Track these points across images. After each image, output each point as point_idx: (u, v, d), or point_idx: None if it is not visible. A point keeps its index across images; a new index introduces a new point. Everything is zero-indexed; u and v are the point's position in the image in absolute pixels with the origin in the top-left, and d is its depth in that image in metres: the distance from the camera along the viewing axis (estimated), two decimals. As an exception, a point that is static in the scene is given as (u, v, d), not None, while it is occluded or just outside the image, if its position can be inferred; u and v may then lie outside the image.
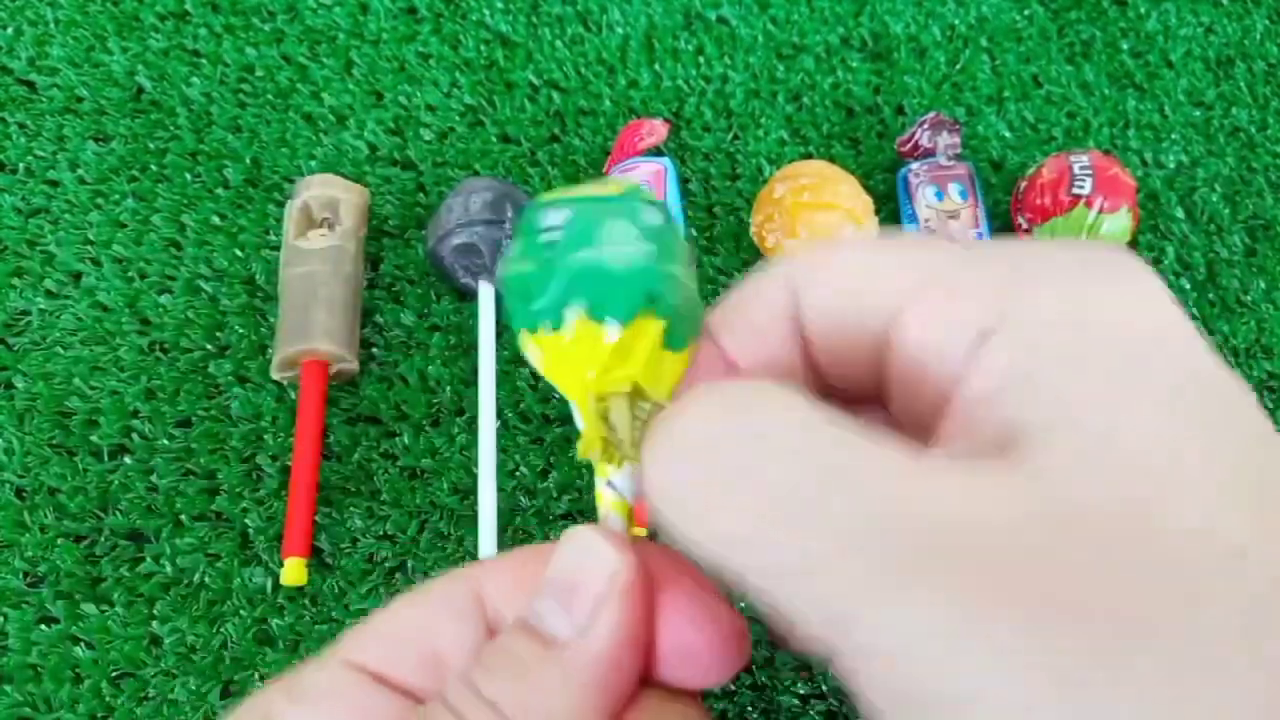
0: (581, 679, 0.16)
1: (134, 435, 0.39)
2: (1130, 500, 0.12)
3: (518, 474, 0.39)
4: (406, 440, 0.39)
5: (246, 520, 0.37)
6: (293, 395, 0.40)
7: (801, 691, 0.35)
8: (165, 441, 0.39)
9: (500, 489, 0.38)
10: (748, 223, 0.44)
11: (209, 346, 0.41)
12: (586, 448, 0.17)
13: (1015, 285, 0.15)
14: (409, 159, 0.46)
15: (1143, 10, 0.53)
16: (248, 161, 0.45)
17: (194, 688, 0.34)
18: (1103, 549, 0.12)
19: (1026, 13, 0.52)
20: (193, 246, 0.43)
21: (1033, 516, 0.12)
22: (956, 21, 0.52)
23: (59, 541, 0.36)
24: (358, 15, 0.50)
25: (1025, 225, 0.43)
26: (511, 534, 0.38)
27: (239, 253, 0.43)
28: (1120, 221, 0.41)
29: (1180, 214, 0.47)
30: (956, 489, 0.13)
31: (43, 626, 0.35)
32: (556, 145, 0.47)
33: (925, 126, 0.45)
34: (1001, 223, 0.45)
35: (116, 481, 0.38)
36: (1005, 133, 0.48)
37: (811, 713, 0.35)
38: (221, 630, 0.35)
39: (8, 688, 0.34)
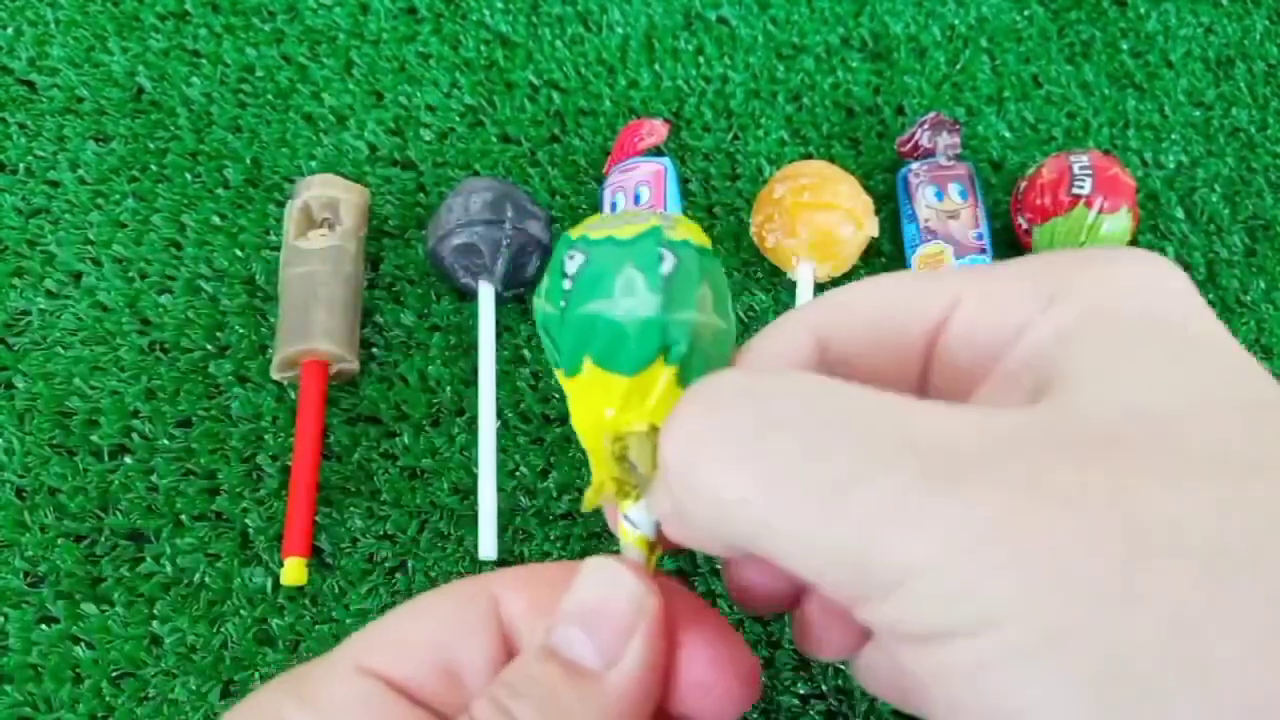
0: (610, 711, 0.16)
1: (134, 435, 0.39)
2: (1150, 418, 0.13)
3: (518, 474, 0.39)
4: (406, 440, 0.39)
5: (246, 520, 0.37)
6: (293, 395, 0.40)
7: (801, 691, 0.35)
8: (165, 441, 0.39)
9: (500, 489, 0.38)
10: (748, 223, 0.44)
11: (209, 346, 0.41)
12: (595, 494, 0.18)
13: (1061, 275, 0.16)
14: (409, 159, 0.46)
15: (1143, 10, 0.53)
16: (248, 161, 0.45)
17: (194, 688, 0.34)
18: (1124, 452, 0.12)
19: (1026, 13, 0.52)
20: (193, 246, 0.43)
21: (1043, 431, 0.13)
22: (956, 21, 0.52)
23: (59, 541, 0.36)
24: (358, 15, 0.50)
25: (1025, 225, 0.43)
26: (511, 534, 0.38)
27: (239, 253, 0.43)
28: (1120, 221, 0.41)
29: (1180, 214, 0.47)
30: (976, 415, 0.14)
31: (43, 626, 0.35)
32: (556, 145, 0.47)
33: (925, 126, 0.45)
34: (1001, 223, 0.45)
35: (117, 481, 0.38)
36: (1005, 133, 0.48)
37: (811, 713, 0.35)
38: (222, 630, 0.35)
39: (8, 688, 0.34)
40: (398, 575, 0.37)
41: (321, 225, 0.41)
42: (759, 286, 0.44)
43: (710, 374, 0.16)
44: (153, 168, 0.45)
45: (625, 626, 0.16)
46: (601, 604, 0.16)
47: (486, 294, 0.40)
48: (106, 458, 0.38)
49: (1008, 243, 0.45)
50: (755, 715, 0.35)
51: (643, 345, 0.17)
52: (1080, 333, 0.15)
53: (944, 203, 0.43)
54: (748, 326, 0.43)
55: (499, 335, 0.40)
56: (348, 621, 0.36)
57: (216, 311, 0.41)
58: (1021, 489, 0.12)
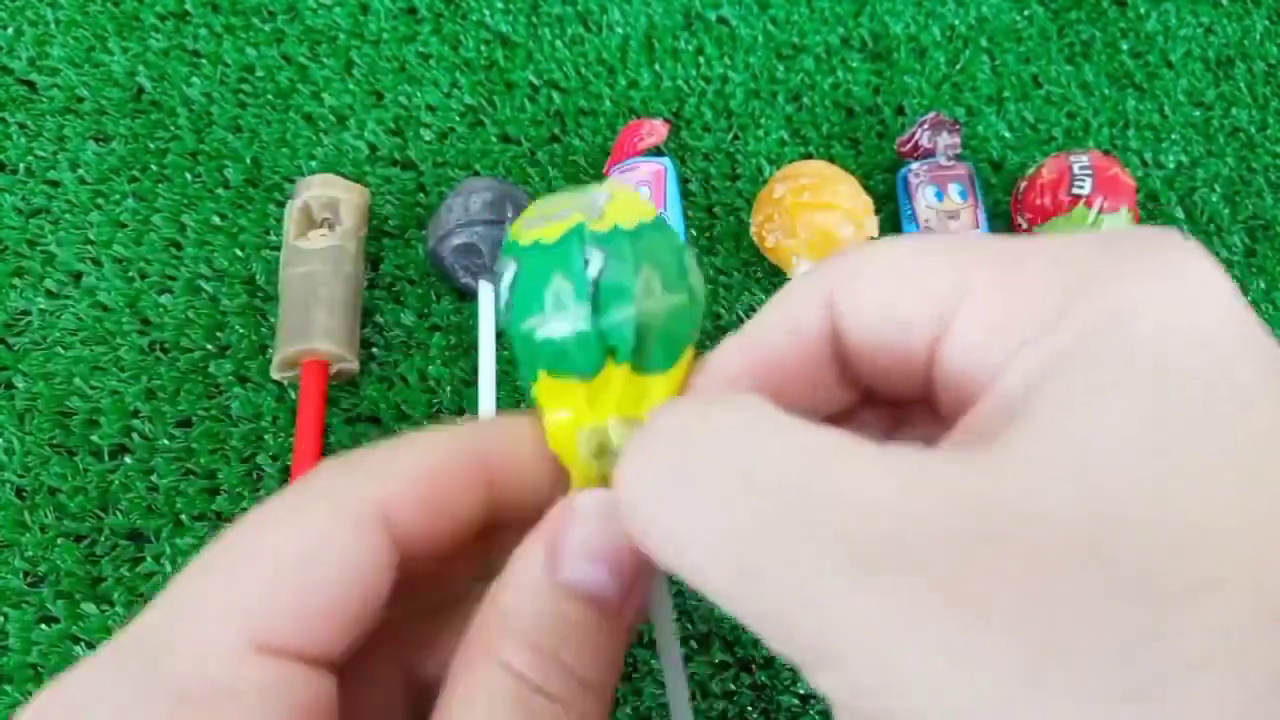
0: (627, 638, 0.16)
1: (134, 435, 0.39)
2: (1082, 510, 0.12)
3: (518, 474, 0.39)
4: (406, 440, 0.39)
5: (246, 520, 0.37)
6: (293, 395, 0.40)
7: (801, 691, 0.35)
8: (165, 441, 0.39)
9: (500, 489, 0.38)
10: (748, 223, 0.44)
11: (209, 346, 0.41)
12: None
13: (1065, 288, 0.14)
14: (409, 159, 0.46)
15: (1143, 10, 0.53)
16: (248, 161, 0.45)
17: (194, 688, 0.34)
18: (1040, 555, 0.12)
19: (1026, 13, 0.52)
20: (193, 246, 0.43)
21: (970, 516, 0.12)
22: (956, 21, 0.52)
23: (59, 541, 0.36)
24: (358, 15, 0.50)
25: (1025, 225, 0.43)
26: (511, 534, 0.38)
27: (239, 253, 0.43)
28: (1120, 222, 0.41)
29: (1180, 214, 0.47)
30: (908, 473, 0.13)
31: (43, 626, 0.35)
32: (556, 145, 0.47)
33: (925, 126, 0.45)
34: (1001, 223, 0.45)
35: (117, 481, 0.38)
36: (1005, 133, 0.48)
37: (811, 713, 0.35)
38: (221, 630, 0.35)
39: (8, 688, 0.34)
40: (398, 575, 0.37)
41: (321, 225, 0.41)
42: (759, 286, 0.44)
43: (666, 404, 0.15)
44: (153, 168, 0.45)
45: (639, 564, 0.16)
46: (614, 541, 0.16)
47: (486, 294, 0.40)
48: (106, 458, 0.38)
49: (1008, 243, 0.45)
50: (755, 715, 0.35)
51: (584, 356, 0.16)
52: (1062, 368, 0.13)
53: (944, 203, 0.43)
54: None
55: (499, 335, 0.40)
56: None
57: (216, 311, 0.41)
58: (935, 585, 0.12)
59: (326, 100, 0.47)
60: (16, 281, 0.42)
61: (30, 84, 0.47)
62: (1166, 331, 0.13)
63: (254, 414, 0.39)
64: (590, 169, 0.46)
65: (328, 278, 0.39)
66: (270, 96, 0.47)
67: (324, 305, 0.39)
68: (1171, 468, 0.12)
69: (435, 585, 0.18)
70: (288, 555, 0.15)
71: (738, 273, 0.44)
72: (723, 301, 0.43)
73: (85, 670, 0.14)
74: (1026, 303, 0.14)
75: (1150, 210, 0.47)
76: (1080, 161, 0.42)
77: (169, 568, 0.36)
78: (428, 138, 0.47)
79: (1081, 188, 0.41)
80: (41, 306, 0.41)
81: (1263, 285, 0.45)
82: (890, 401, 0.18)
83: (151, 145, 0.45)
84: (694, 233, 0.45)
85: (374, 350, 0.41)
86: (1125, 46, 0.52)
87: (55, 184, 0.44)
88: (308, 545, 0.15)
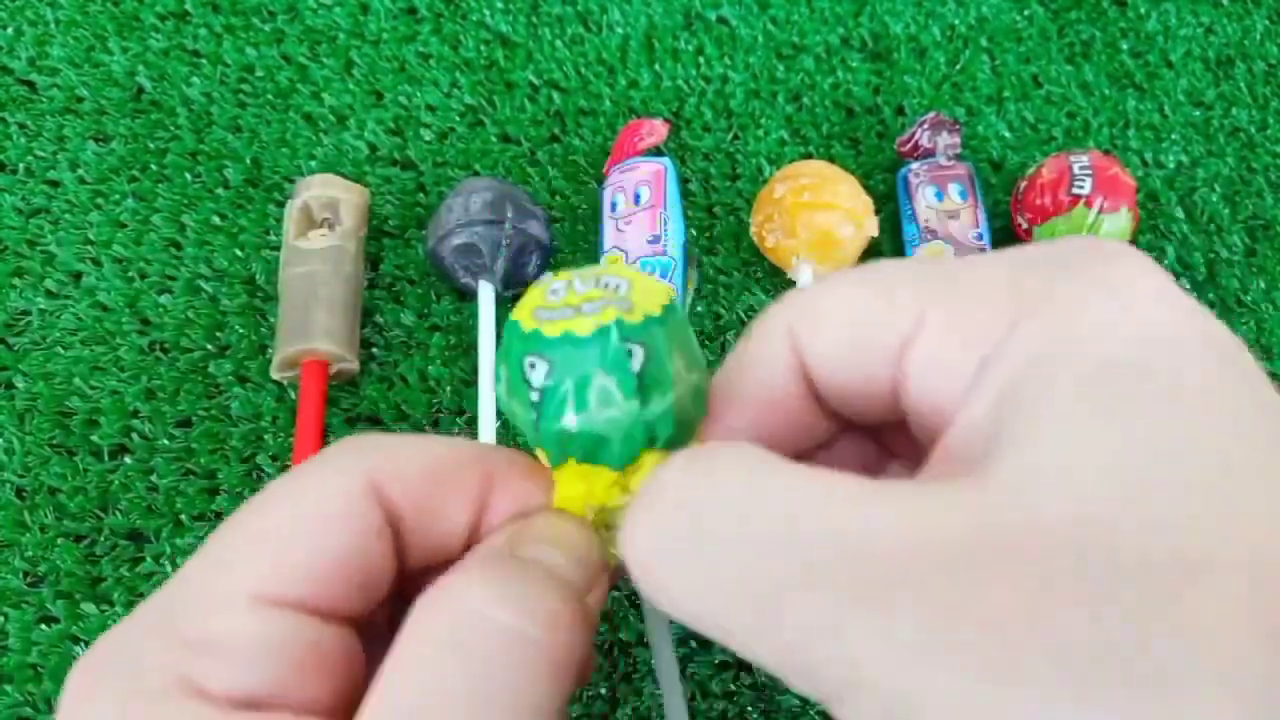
0: (593, 623, 0.17)
1: (134, 435, 0.39)
2: (1075, 518, 0.12)
3: (518, 474, 0.39)
4: (406, 440, 0.39)
5: (246, 520, 0.37)
6: (293, 395, 0.40)
7: (801, 691, 0.35)
8: (165, 441, 0.39)
9: (500, 489, 0.38)
10: (748, 223, 0.44)
11: (209, 346, 0.41)
12: None
13: (1013, 308, 0.14)
14: (409, 159, 0.46)
15: (1143, 10, 0.53)
16: (248, 161, 0.45)
17: (194, 688, 0.34)
18: (1041, 566, 0.12)
19: (1026, 13, 0.52)
20: (193, 246, 0.43)
21: (972, 536, 0.12)
22: (956, 21, 0.52)
23: (59, 541, 0.36)
24: (358, 15, 0.50)
25: (1025, 225, 0.43)
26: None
27: (239, 253, 0.43)
28: (1120, 221, 0.41)
29: (1180, 214, 0.47)
30: (904, 515, 0.13)
31: (43, 626, 0.35)
32: (556, 145, 0.47)
33: (925, 126, 0.45)
34: (1001, 223, 0.45)
35: (116, 481, 0.38)
36: (1005, 133, 0.48)
37: (811, 713, 0.35)
38: (221, 630, 0.35)
39: (8, 688, 0.34)
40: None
41: (321, 225, 0.41)
42: (759, 286, 0.44)
43: (655, 472, 0.16)
44: (153, 168, 0.45)
45: (600, 566, 0.17)
46: (581, 540, 0.17)
47: (486, 294, 0.40)
48: (106, 458, 0.38)
49: (1008, 243, 0.45)
50: (756, 715, 0.35)
51: (628, 447, 0.17)
52: (1027, 387, 0.13)
53: (944, 203, 0.43)
54: (748, 327, 0.43)
55: (499, 335, 0.40)
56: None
57: (216, 311, 0.41)
58: (949, 609, 0.12)
59: (326, 100, 0.47)
60: (16, 281, 0.42)
61: (30, 84, 0.47)
62: (1114, 341, 0.13)
63: (254, 414, 0.39)
64: (590, 169, 0.46)
65: (328, 278, 0.39)
66: (270, 96, 0.47)
67: (324, 305, 0.39)
68: (1142, 474, 0.12)
69: None
70: (284, 514, 0.16)
71: (738, 273, 0.44)
72: (723, 301, 0.43)
73: (120, 626, 0.16)
74: (978, 329, 0.15)
75: (1150, 210, 0.47)
76: (1080, 161, 0.42)
77: (169, 568, 0.36)
78: (428, 138, 0.47)
79: (1081, 188, 0.41)
80: (41, 306, 0.41)
81: (1263, 285, 0.45)
82: (868, 427, 0.18)
83: (151, 145, 0.45)
84: (694, 233, 0.45)
85: (374, 350, 0.41)
86: (1125, 46, 0.52)
87: (55, 184, 0.44)
88: (302, 504, 0.16)
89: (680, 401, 0.17)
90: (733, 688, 0.35)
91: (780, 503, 0.14)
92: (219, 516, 0.38)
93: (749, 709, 0.35)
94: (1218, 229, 0.46)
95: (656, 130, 0.45)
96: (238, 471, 0.38)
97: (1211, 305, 0.45)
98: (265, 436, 0.39)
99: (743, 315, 0.43)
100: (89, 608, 0.35)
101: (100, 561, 0.36)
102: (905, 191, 0.44)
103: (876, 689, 0.12)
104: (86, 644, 0.35)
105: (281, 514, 0.16)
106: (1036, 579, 0.12)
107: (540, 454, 0.18)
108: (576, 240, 0.44)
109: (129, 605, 0.36)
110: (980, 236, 0.42)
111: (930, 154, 0.44)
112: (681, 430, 0.17)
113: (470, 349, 0.41)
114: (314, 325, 0.38)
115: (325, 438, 0.39)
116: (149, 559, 0.36)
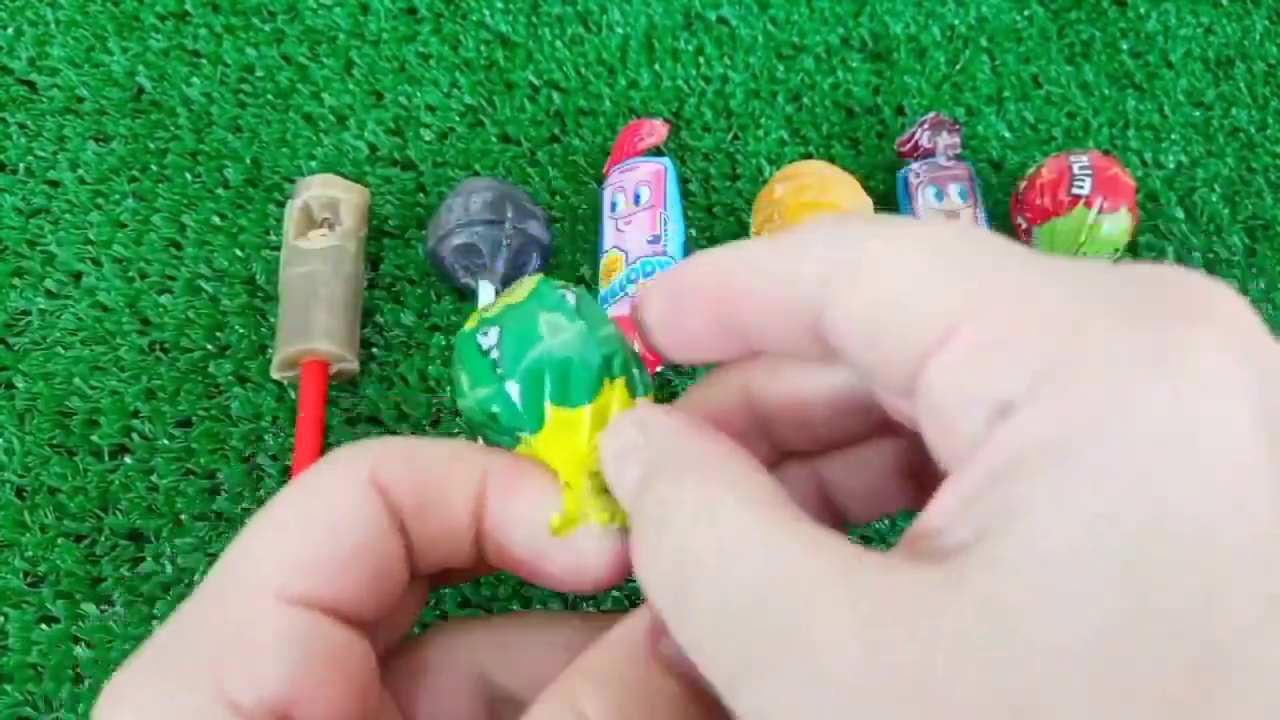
0: None
1: (134, 435, 0.39)
2: (1076, 652, 0.10)
3: (518, 474, 0.39)
4: (406, 440, 0.39)
5: (247, 520, 0.37)
6: (293, 395, 0.40)
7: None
8: (165, 441, 0.39)
9: (500, 489, 0.38)
10: (748, 223, 0.44)
11: (209, 346, 0.41)
12: (567, 523, 0.18)
13: (1057, 354, 0.12)
14: (409, 159, 0.46)
15: (1143, 10, 0.53)
16: (248, 161, 0.45)
17: (194, 687, 0.34)
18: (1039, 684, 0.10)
19: (1026, 13, 0.52)
20: (193, 246, 0.43)
21: (923, 675, 0.11)
22: (956, 21, 0.52)
23: (59, 541, 0.36)
24: (358, 15, 0.50)
25: (1025, 225, 0.43)
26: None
27: (239, 253, 0.43)
28: (1120, 222, 0.41)
29: (1180, 214, 0.47)
30: (869, 625, 0.12)
31: (43, 626, 0.35)
32: (556, 145, 0.47)
33: (925, 127, 0.45)
34: (1002, 223, 0.45)
35: (117, 481, 0.38)
36: (1005, 133, 0.48)
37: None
38: (221, 630, 0.35)
39: (8, 687, 0.34)
40: (398, 575, 0.37)
41: (321, 225, 0.41)
42: (759, 286, 0.44)
43: (682, 482, 0.16)
44: (153, 168, 0.45)
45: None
46: None
47: (486, 294, 0.40)
48: (106, 458, 0.38)
49: (1008, 243, 0.45)
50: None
51: (588, 368, 0.18)
52: (1020, 486, 0.11)
53: (944, 203, 0.43)
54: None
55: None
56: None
57: (216, 311, 0.41)
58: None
59: (326, 100, 0.47)
60: (16, 281, 0.42)
61: (30, 84, 0.47)
62: (1157, 443, 0.11)
63: (254, 414, 0.39)
64: (590, 169, 0.46)
65: (328, 278, 0.39)
66: (270, 96, 0.47)
67: (324, 305, 0.39)
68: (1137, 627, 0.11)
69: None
70: (299, 514, 0.17)
71: (738, 273, 0.44)
72: (723, 301, 0.43)
73: (160, 629, 0.16)
74: (1005, 367, 0.12)
75: (1150, 210, 0.47)
76: (1080, 161, 0.42)
77: (169, 568, 0.36)
78: (428, 138, 0.47)
79: (1081, 188, 0.41)
80: (41, 306, 0.41)
81: (1263, 285, 0.45)
82: (808, 452, 0.19)
83: (151, 145, 0.45)
84: (694, 233, 0.45)
85: (374, 350, 0.41)
86: (1125, 46, 0.52)
87: (55, 184, 0.44)
88: (312, 502, 0.17)
89: (622, 340, 0.18)
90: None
91: (760, 582, 0.13)
92: (219, 516, 0.38)
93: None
94: (1217, 229, 0.46)
95: (656, 130, 0.45)
96: (238, 471, 0.38)
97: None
98: (265, 436, 0.39)
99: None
100: (89, 608, 0.35)
101: (100, 561, 0.36)
102: (905, 192, 0.44)
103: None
104: (87, 644, 0.35)
105: (297, 514, 0.17)
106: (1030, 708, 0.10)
107: (523, 443, 0.18)
108: (576, 240, 0.44)
109: (129, 605, 0.36)
110: (980, 236, 0.42)
111: (930, 154, 0.44)
112: (633, 368, 0.18)
113: (470, 349, 0.41)
114: (314, 325, 0.38)
115: (325, 438, 0.39)
116: (149, 559, 0.36)
